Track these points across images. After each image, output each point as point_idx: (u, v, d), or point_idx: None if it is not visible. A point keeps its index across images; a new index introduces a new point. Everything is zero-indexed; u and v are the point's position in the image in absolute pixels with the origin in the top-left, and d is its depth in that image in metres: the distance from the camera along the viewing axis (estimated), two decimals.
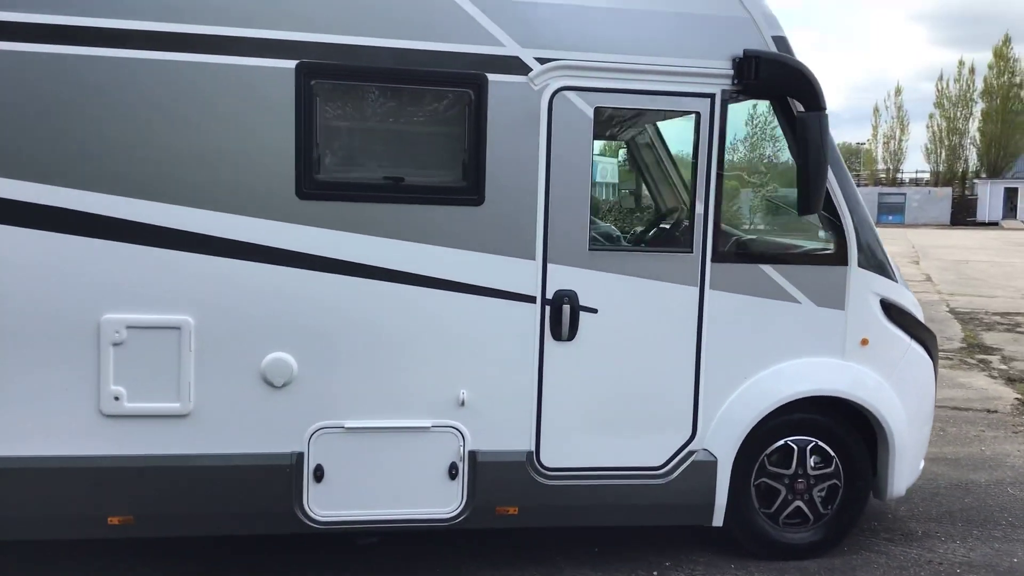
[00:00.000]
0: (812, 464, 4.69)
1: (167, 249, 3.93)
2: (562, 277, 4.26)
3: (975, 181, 58.14)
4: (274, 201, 3.98)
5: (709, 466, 4.49)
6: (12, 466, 3.88)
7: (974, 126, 61.05)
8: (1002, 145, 57.79)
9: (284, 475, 4.11)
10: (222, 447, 4.06)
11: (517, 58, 4.10)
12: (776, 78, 4.27)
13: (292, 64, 3.92)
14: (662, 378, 4.42)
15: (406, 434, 4.21)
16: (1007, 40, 59.05)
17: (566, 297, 4.26)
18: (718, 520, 4.57)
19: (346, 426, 4.15)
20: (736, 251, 4.53)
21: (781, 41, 4.35)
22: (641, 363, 4.38)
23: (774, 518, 4.72)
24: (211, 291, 3.97)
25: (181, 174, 3.90)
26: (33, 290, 3.83)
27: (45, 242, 3.82)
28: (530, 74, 4.11)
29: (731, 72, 4.28)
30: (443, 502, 4.27)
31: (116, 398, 3.93)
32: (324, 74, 3.96)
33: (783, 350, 4.55)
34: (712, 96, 4.31)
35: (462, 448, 4.24)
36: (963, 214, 54.44)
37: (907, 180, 64.36)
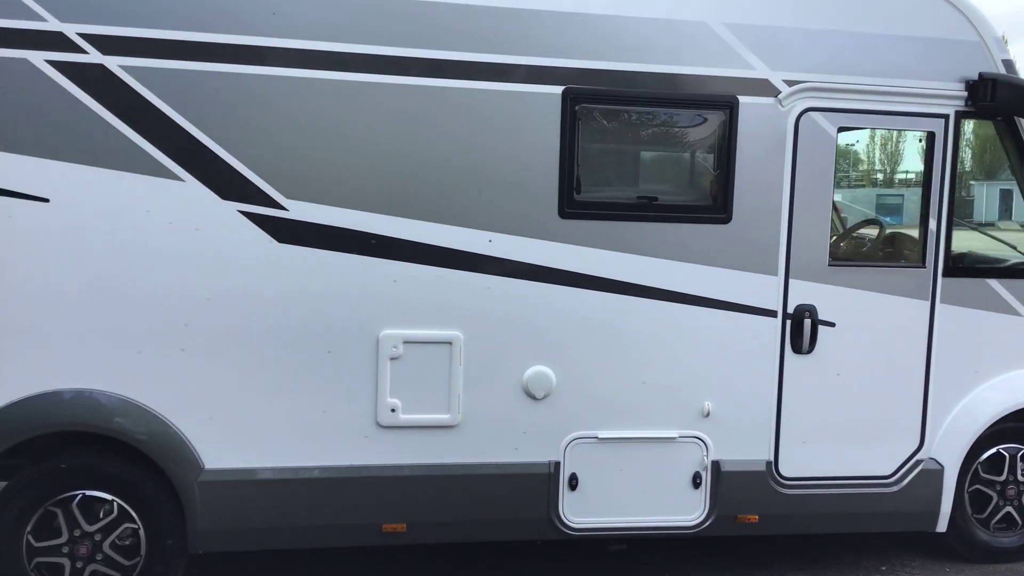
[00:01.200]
0: (1022, 471, 4.81)
1: (440, 267, 4.09)
2: (802, 292, 4.39)
3: None
4: (537, 220, 4.14)
5: (936, 474, 4.62)
6: (294, 476, 4.06)
7: None
8: None
9: (542, 483, 4.27)
10: (486, 456, 4.22)
11: (767, 80, 4.25)
12: (1011, 99, 4.39)
13: (559, 90, 4.09)
14: (894, 389, 4.55)
15: (654, 444, 4.36)
16: None
17: (807, 311, 4.39)
18: (942, 526, 4.69)
19: (599, 436, 4.30)
20: (964, 266, 4.65)
21: (1009, 64, 4.47)
22: (875, 375, 4.51)
23: (985, 523, 4.84)
24: (479, 307, 4.14)
25: (454, 196, 4.07)
26: (319, 306, 4.00)
27: (333, 261, 3.99)
28: (779, 96, 4.26)
29: (964, 94, 4.41)
30: (687, 510, 4.41)
31: (392, 410, 4.10)
32: (588, 99, 4.12)
33: (1006, 361, 4.67)
34: (946, 117, 4.43)
35: (706, 458, 4.38)
36: None
37: None
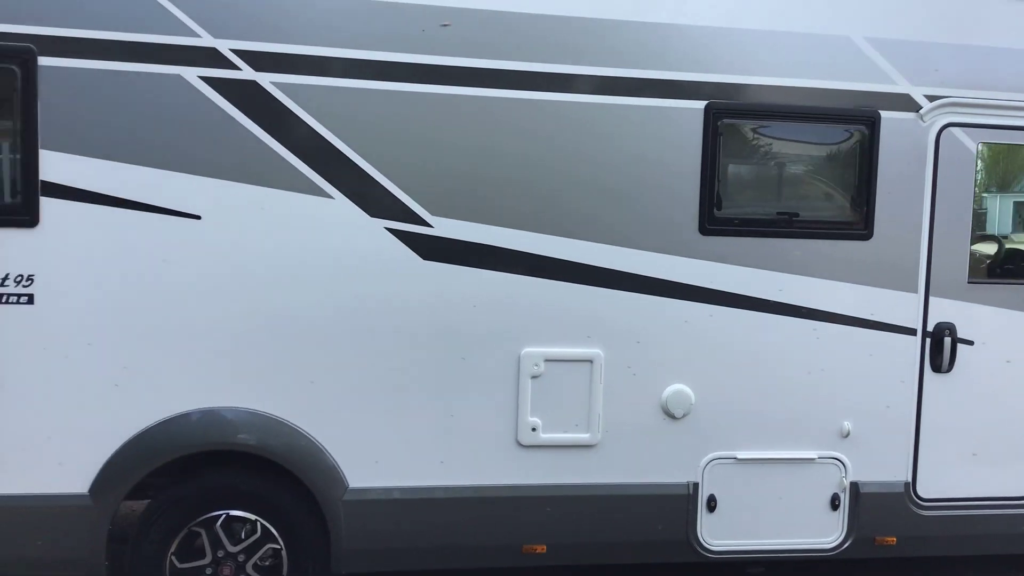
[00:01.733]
0: None
1: (581, 284, 4.04)
2: (942, 309, 4.32)
3: None
4: (678, 237, 4.09)
5: None
6: (435, 496, 4.00)
7: None
8: None
9: (681, 505, 4.19)
10: (625, 477, 4.15)
11: (908, 95, 4.19)
12: None
13: (701, 105, 4.04)
14: None
15: (792, 465, 4.27)
16: None
17: (947, 329, 4.31)
18: None
19: (738, 457, 4.23)
20: None
21: None
22: (1015, 394, 4.41)
23: None
24: (619, 325, 4.08)
25: (595, 212, 4.03)
26: (462, 325, 3.96)
27: (476, 278, 3.95)
28: (920, 111, 4.20)
29: None
30: (825, 532, 4.32)
31: (533, 429, 4.04)
32: (730, 114, 4.08)
33: None
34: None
35: (844, 479, 4.29)
36: None
37: None
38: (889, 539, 4.37)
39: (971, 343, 4.36)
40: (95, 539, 3.75)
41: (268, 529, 3.91)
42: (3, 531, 3.69)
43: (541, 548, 4.11)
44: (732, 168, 4.19)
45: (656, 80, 4.02)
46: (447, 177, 3.90)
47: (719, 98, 4.05)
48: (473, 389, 4.00)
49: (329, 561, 3.96)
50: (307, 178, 3.79)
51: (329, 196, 3.81)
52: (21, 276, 3.62)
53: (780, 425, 4.25)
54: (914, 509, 4.37)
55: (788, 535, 4.30)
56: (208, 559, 3.88)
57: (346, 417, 3.91)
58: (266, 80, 3.73)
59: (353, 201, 3.83)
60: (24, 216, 3.60)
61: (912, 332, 4.31)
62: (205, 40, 3.68)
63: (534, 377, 4.03)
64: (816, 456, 4.28)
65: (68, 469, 3.73)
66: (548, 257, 4.01)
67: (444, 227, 3.91)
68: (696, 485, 4.20)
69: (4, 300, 3.62)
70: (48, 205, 3.62)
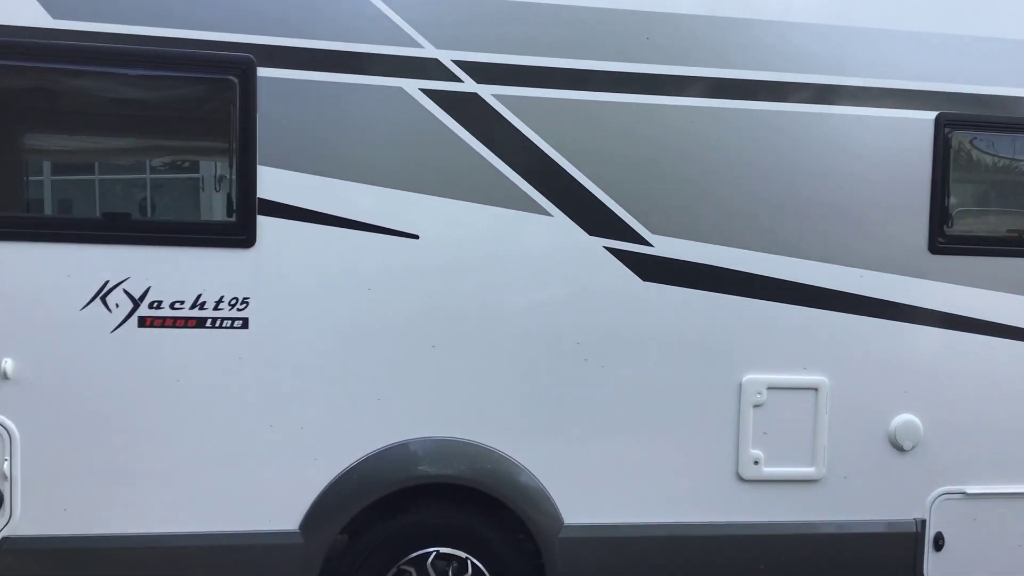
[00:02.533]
0: None
1: (805, 307, 3.80)
2: None
3: None
4: (905, 255, 3.84)
5: None
6: (649, 533, 3.75)
7: None
8: None
9: (908, 543, 3.92)
10: (849, 514, 3.88)
11: None
12: None
13: (931, 115, 3.80)
14: None
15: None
16: None
17: None
18: None
19: (967, 492, 3.94)
20: None
21: None
22: None
23: None
24: (845, 350, 3.83)
25: (815, 228, 3.79)
26: (681, 350, 3.73)
27: (695, 300, 3.72)
28: None
29: None
30: None
31: (756, 462, 3.79)
32: (962, 125, 3.83)
33: None
34: None
35: None
36: None
37: None
38: None
39: None
40: None
41: (479, 568, 3.67)
42: (214, 569, 3.48)
43: None
44: (964, 182, 3.94)
45: (883, 89, 3.78)
46: (665, 193, 3.68)
47: (950, 109, 3.81)
48: (691, 419, 3.76)
49: None
50: (526, 194, 3.58)
51: (548, 214, 3.60)
52: (236, 299, 3.43)
53: (1013, 457, 3.96)
54: None
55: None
56: None
57: (561, 449, 3.67)
58: (487, 92, 3.54)
59: (572, 219, 3.62)
60: (240, 236, 3.42)
61: None
62: (428, 51, 3.49)
63: (756, 406, 3.78)
64: None
65: (278, 505, 3.51)
66: (767, 277, 3.77)
67: (664, 246, 3.69)
68: (923, 522, 3.92)
69: (219, 324, 3.43)
70: (265, 224, 3.43)
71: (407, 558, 3.63)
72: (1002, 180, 4.06)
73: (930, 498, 3.92)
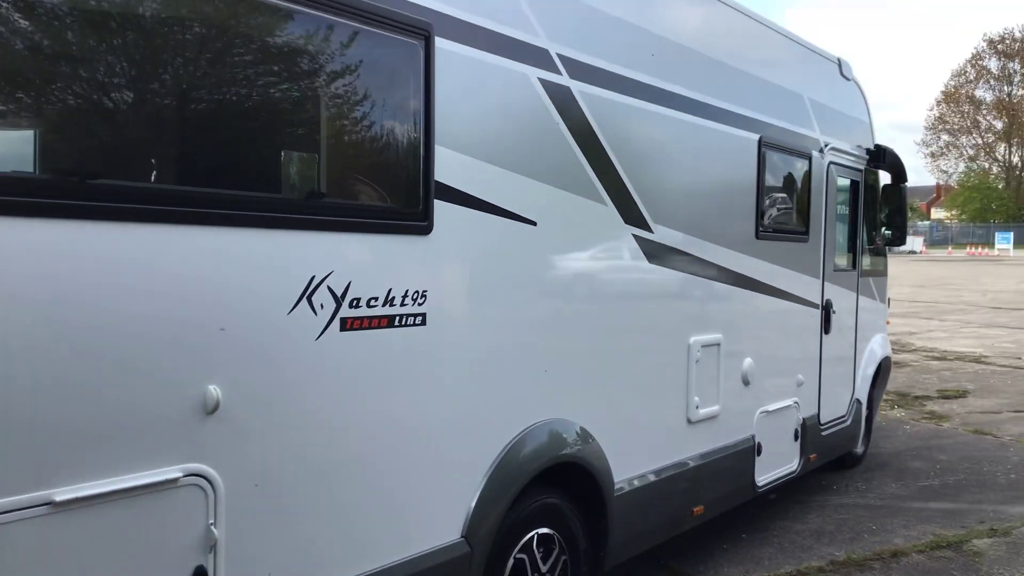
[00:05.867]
0: None
1: (709, 279, 4.87)
2: (826, 290, 6.24)
3: None
4: (746, 239, 5.21)
5: (861, 406, 6.90)
6: (663, 476, 4.44)
7: None
8: None
9: (751, 455, 5.30)
10: (729, 438, 5.08)
11: None
12: (891, 162, 6.92)
13: (756, 137, 5.25)
14: (847, 349, 6.68)
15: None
16: None
17: (830, 302, 6.25)
18: (860, 448, 7.02)
19: (770, 409, 5.52)
20: (866, 269, 7.02)
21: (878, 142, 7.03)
22: (842, 338, 6.57)
23: None
24: (725, 312, 5.03)
25: (732, 223, 4.95)
26: (669, 321, 4.49)
27: (679, 280, 4.52)
28: None
29: (867, 157, 6.80)
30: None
31: (697, 407, 4.74)
32: (770, 146, 5.35)
33: (877, 328, 7.22)
34: (863, 170, 6.77)
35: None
36: None
37: None
38: (813, 455, 6.12)
39: (835, 312, 6.36)
40: None
41: (560, 542, 3.86)
42: None
43: (701, 509, 4.82)
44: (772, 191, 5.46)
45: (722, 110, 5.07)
46: (667, 190, 4.38)
47: (765, 134, 5.29)
48: (668, 376, 4.52)
49: (599, 560, 4.05)
50: (595, 187, 3.91)
51: (604, 204, 3.99)
52: (417, 293, 3.04)
53: (797, 378, 5.67)
54: (822, 432, 6.21)
55: None
56: None
57: (607, 414, 4.08)
58: (576, 88, 3.76)
59: (617, 209, 4.06)
60: (422, 222, 3.05)
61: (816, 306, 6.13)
62: (541, 40, 3.57)
63: (696, 362, 4.72)
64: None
65: (444, 515, 3.22)
66: (706, 259, 4.74)
67: (662, 234, 4.37)
68: (754, 436, 5.34)
69: (403, 322, 3.00)
70: (441, 210, 3.12)
71: (519, 544, 3.63)
72: (788, 187, 5.71)
73: (755, 418, 5.36)
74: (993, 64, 67.40)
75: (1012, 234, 56.29)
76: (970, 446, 8.20)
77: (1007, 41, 63.12)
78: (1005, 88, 66.97)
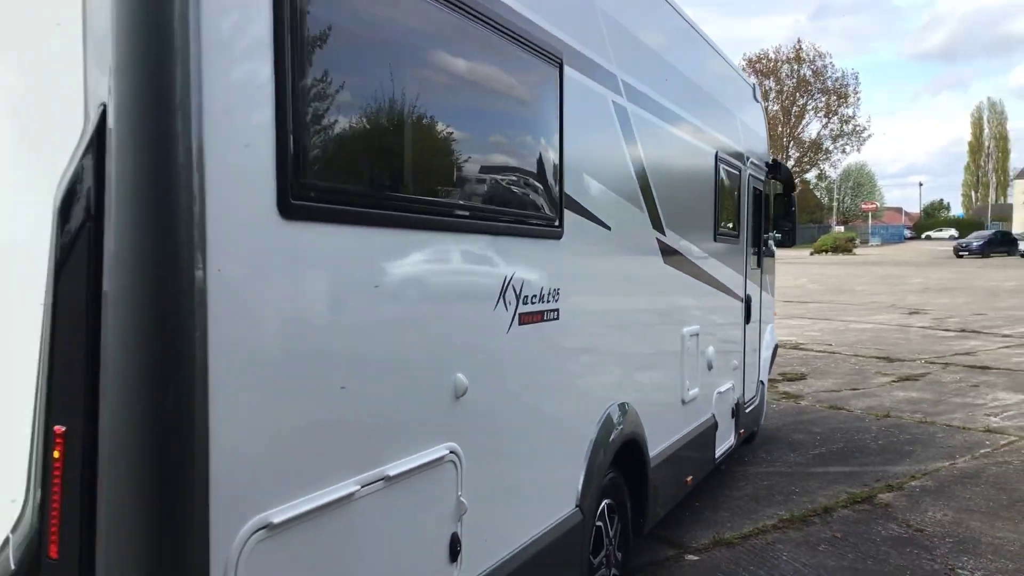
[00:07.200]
0: None
1: (693, 278, 5.54)
2: (747, 285, 7.13)
3: None
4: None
5: (764, 387, 7.88)
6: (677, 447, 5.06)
7: None
8: None
9: (713, 431, 6.04)
10: (700, 416, 5.78)
11: None
12: (784, 174, 7.96)
13: (714, 151, 5.99)
14: (757, 337, 7.63)
15: None
16: None
17: (749, 296, 7.15)
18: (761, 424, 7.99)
19: (722, 390, 6.29)
20: (765, 267, 8.00)
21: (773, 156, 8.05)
22: (755, 327, 7.51)
23: None
24: (692, 304, 5.73)
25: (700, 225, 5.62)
26: (672, 315, 5.10)
27: (680, 276, 5.13)
28: None
29: (766, 169, 7.80)
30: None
31: (688, 389, 5.39)
32: (721, 160, 6.11)
33: (770, 318, 8.24)
34: (764, 181, 7.75)
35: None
36: None
37: None
38: (742, 432, 6.98)
39: (752, 302, 7.27)
40: (584, 555, 3.74)
41: (617, 509, 4.36)
42: None
43: (690, 479, 5.47)
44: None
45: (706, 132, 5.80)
46: (672, 199, 4.98)
47: (720, 149, 6.05)
48: (671, 362, 5.14)
49: (639, 526, 4.59)
50: (637, 194, 4.44)
51: (642, 210, 4.53)
52: (556, 291, 3.45)
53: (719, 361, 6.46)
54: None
55: None
56: (605, 552, 4.15)
57: (648, 398, 4.62)
58: (630, 109, 4.28)
59: (648, 216, 4.62)
60: (558, 228, 3.46)
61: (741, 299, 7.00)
62: (613, 67, 4.06)
63: (686, 350, 5.36)
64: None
65: (567, 487, 3.64)
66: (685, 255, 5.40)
67: (671, 237, 4.98)
68: (714, 414, 6.08)
69: (548, 316, 3.40)
70: (567, 219, 3.54)
71: (597, 513, 4.09)
72: (728, 195, 6.45)
73: (713, 398, 6.10)
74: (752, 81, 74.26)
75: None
76: (834, 419, 9.46)
77: (763, 61, 69.71)
78: (763, 104, 73.97)
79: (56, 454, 1.77)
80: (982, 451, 7.97)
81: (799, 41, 61.78)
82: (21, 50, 1.93)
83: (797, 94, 55.91)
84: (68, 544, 1.77)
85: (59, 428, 1.77)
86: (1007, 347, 14.86)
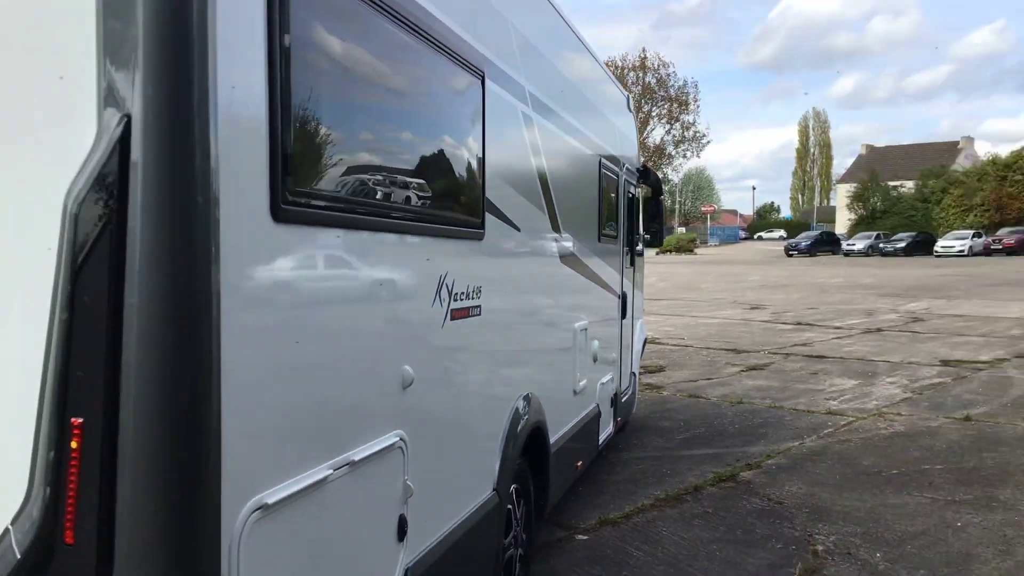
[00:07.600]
0: None
1: (582, 276, 5.93)
2: (624, 283, 7.62)
3: None
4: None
5: (636, 378, 8.41)
6: (570, 431, 5.40)
7: None
8: None
9: (598, 419, 6.45)
10: (586, 406, 6.18)
11: None
12: (653, 179, 8.51)
13: (599, 158, 6.40)
14: (630, 331, 8.15)
15: None
16: None
17: (625, 293, 7.64)
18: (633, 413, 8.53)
19: (604, 381, 6.72)
20: (638, 266, 8.52)
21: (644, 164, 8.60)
22: (629, 322, 8.03)
23: None
24: (582, 302, 6.13)
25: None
26: (560, 308, 5.45)
27: (564, 272, 5.49)
28: None
29: (638, 175, 8.34)
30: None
31: (578, 380, 5.76)
32: (604, 167, 6.54)
33: (640, 313, 8.79)
34: (636, 185, 8.27)
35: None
36: None
37: None
38: (618, 419, 7.46)
39: (626, 299, 7.77)
40: (499, 535, 4.03)
41: (522, 494, 4.66)
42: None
43: (581, 464, 5.84)
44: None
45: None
46: (564, 202, 5.33)
47: (602, 155, 6.46)
48: (566, 356, 5.49)
49: (542, 509, 4.91)
50: (539, 196, 4.75)
51: (543, 212, 4.84)
52: (479, 288, 3.70)
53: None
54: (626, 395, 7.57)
55: None
56: (513, 531, 4.44)
57: (548, 389, 4.94)
58: (535, 118, 4.59)
59: (548, 217, 4.94)
60: (480, 229, 3.71)
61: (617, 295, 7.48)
62: (522, 78, 4.35)
63: (577, 344, 5.73)
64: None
65: (486, 470, 3.91)
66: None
67: (566, 238, 5.33)
68: (599, 405, 6.50)
69: (472, 312, 3.65)
70: (487, 220, 3.80)
71: (510, 495, 4.38)
72: (609, 198, 6.86)
73: (597, 389, 6.51)
74: None
75: None
76: (694, 407, 10.15)
77: (610, 68, 72.14)
78: (634, 113, 77.01)
79: (73, 444, 1.87)
80: (826, 431, 8.80)
81: (644, 50, 64.02)
82: (28, 61, 2.00)
83: (642, 101, 58.28)
84: (85, 529, 1.88)
85: (76, 420, 1.87)
86: (838, 338, 16.24)
